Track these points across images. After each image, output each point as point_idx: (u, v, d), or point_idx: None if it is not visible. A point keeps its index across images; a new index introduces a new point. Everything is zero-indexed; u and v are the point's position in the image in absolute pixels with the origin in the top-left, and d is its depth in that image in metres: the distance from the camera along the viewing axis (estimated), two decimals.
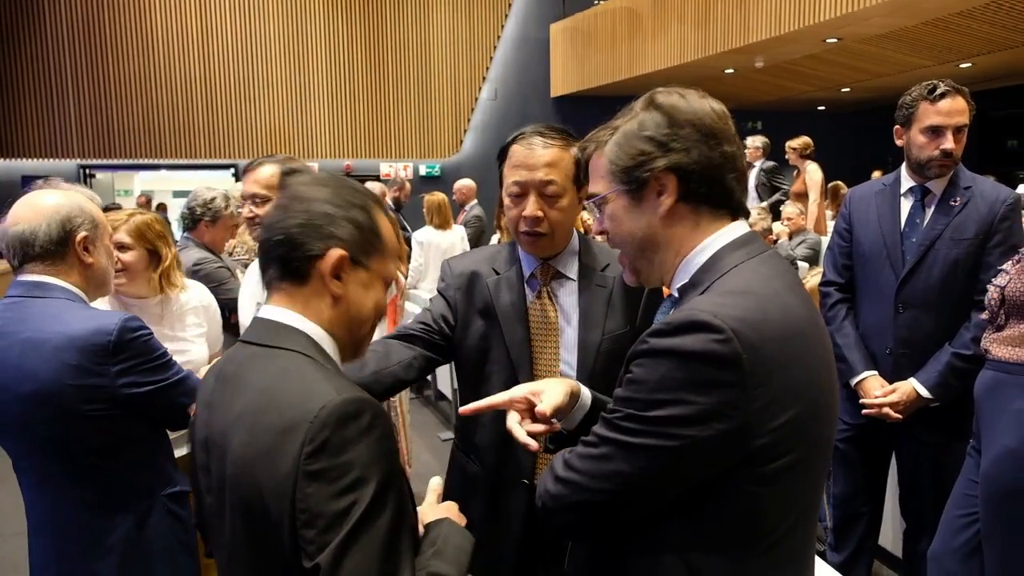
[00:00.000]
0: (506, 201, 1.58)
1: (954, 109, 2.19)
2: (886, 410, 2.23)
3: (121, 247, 2.05)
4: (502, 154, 1.59)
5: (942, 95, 2.19)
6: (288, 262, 1.04)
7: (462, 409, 1.28)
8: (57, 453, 1.57)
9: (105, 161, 10.37)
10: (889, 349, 2.28)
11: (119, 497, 1.60)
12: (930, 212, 2.28)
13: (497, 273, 1.65)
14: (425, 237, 5.86)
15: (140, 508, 1.62)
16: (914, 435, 2.30)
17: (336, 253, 1.03)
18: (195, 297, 2.25)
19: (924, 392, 2.21)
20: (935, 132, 2.20)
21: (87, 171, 10.53)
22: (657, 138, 1.02)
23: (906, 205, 2.32)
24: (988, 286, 1.92)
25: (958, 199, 2.24)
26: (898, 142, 2.32)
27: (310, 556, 0.89)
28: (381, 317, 1.13)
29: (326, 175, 1.12)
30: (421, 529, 1.12)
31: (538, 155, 1.53)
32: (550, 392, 1.15)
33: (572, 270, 1.62)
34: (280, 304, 1.06)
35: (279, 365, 1.00)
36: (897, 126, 2.31)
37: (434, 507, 1.18)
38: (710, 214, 1.05)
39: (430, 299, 1.74)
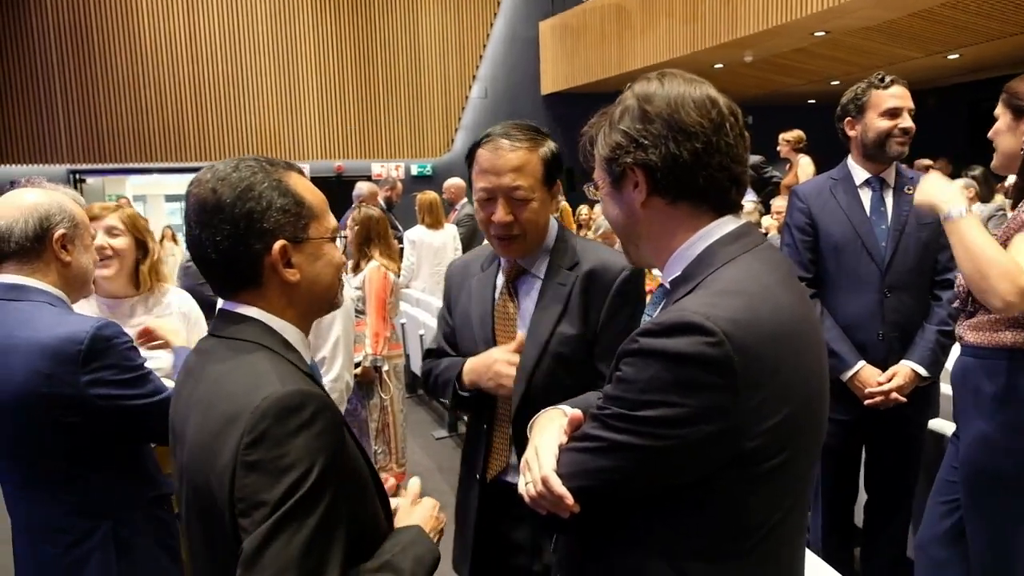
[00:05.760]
0: (475, 205, 1.58)
1: (905, 94, 2.34)
2: (894, 395, 2.26)
3: (111, 232, 2.04)
4: (469, 157, 1.58)
5: (892, 82, 2.35)
6: (236, 273, 1.04)
7: None
8: (35, 460, 1.53)
9: (95, 166, 10.34)
10: (881, 335, 2.32)
11: (100, 502, 1.56)
12: (890, 200, 2.39)
13: (482, 270, 1.69)
14: (417, 236, 5.86)
15: (122, 513, 1.58)
16: (909, 416, 2.34)
17: (279, 245, 1.03)
18: (176, 302, 2.22)
19: (923, 372, 2.28)
20: (893, 114, 2.33)
21: (77, 176, 10.49)
22: (630, 132, 1.01)
23: (866, 196, 2.41)
24: (957, 273, 1.95)
25: (910, 187, 2.36)
26: (851, 133, 2.41)
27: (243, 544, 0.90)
28: (341, 270, 1.14)
29: (224, 167, 1.04)
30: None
31: (505, 159, 1.50)
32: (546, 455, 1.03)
33: (541, 268, 1.61)
34: (241, 300, 1.07)
35: (234, 355, 1.01)
36: (848, 118, 2.40)
37: (407, 510, 1.18)
38: (689, 209, 1.02)
39: (439, 317, 1.80)
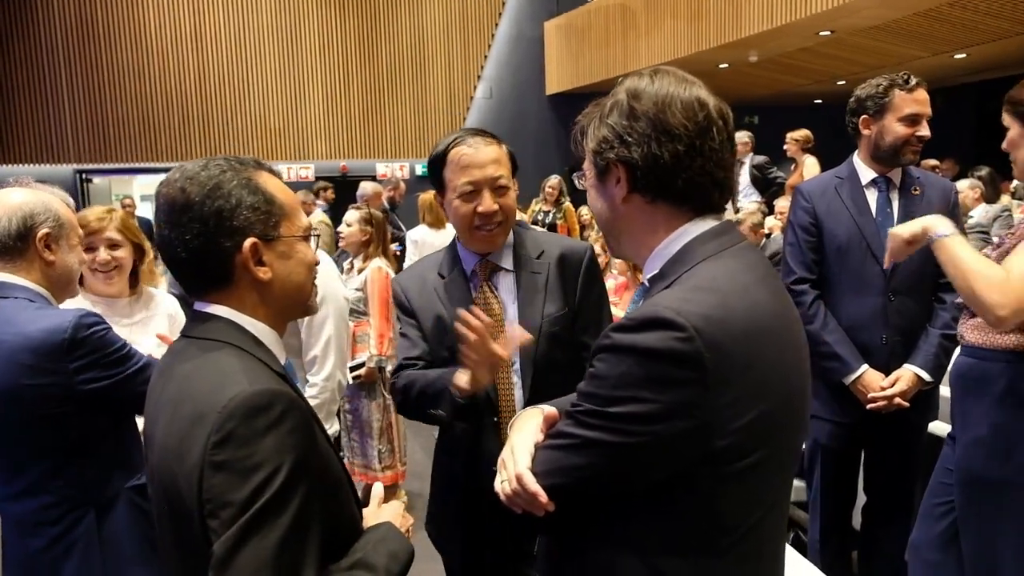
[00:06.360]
0: (455, 201, 1.63)
1: (927, 99, 2.29)
2: (897, 400, 2.25)
3: (113, 245, 2.06)
4: (440, 160, 1.64)
5: (917, 85, 2.27)
6: (207, 272, 1.04)
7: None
8: (28, 454, 1.56)
9: (102, 165, 10.38)
10: (884, 338, 2.30)
11: (87, 491, 1.59)
12: (896, 201, 2.34)
13: (443, 277, 1.71)
14: (419, 236, 5.86)
15: (104, 501, 1.60)
16: (909, 419, 2.32)
17: (249, 243, 1.02)
18: (164, 303, 2.26)
19: (926, 376, 2.26)
20: (913, 120, 2.27)
21: (84, 176, 10.53)
22: (616, 128, 1.02)
23: (872, 196, 2.37)
24: None
25: (917, 188, 2.34)
26: (864, 131, 2.35)
27: (213, 546, 0.89)
28: (315, 269, 1.13)
29: (193, 166, 1.05)
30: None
31: (484, 153, 1.62)
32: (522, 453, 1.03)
33: (508, 262, 1.70)
34: (212, 300, 1.07)
35: (202, 354, 1.01)
36: (865, 116, 2.34)
37: (375, 512, 1.18)
38: (668, 209, 1.03)
39: (400, 333, 1.76)
